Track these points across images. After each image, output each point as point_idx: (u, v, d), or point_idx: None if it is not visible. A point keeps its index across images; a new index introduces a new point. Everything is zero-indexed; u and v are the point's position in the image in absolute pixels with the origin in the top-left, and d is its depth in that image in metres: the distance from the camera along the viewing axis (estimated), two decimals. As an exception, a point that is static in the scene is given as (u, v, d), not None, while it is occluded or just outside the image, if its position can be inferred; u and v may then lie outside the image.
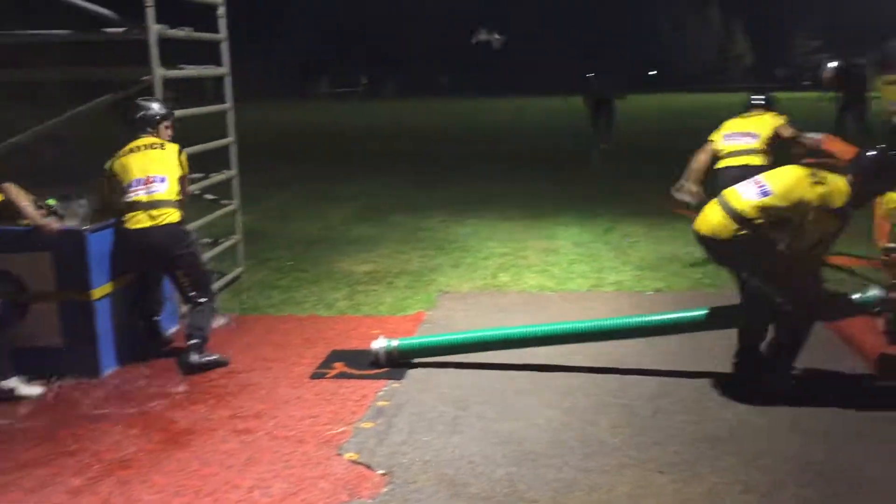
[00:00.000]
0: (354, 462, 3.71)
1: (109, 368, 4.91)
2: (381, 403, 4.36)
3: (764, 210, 4.22)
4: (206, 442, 3.96)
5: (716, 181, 6.43)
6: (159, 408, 4.38)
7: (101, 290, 4.83)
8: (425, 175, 14.11)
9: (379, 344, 4.89)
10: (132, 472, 3.68)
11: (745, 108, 7.01)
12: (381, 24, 66.41)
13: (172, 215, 4.91)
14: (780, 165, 4.69)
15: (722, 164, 6.61)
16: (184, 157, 5.17)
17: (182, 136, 5.39)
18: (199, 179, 6.18)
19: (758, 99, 7.05)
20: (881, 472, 3.54)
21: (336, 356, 5.10)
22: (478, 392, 4.48)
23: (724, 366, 4.66)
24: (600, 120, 14.59)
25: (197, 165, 5.77)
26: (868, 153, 4.37)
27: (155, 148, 5.06)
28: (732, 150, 6.59)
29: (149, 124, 5.14)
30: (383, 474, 3.59)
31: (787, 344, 4.41)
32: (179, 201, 5.01)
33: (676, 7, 71.12)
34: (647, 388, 4.50)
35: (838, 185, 4.20)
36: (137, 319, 5.18)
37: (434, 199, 11.30)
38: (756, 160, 6.43)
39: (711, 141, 6.77)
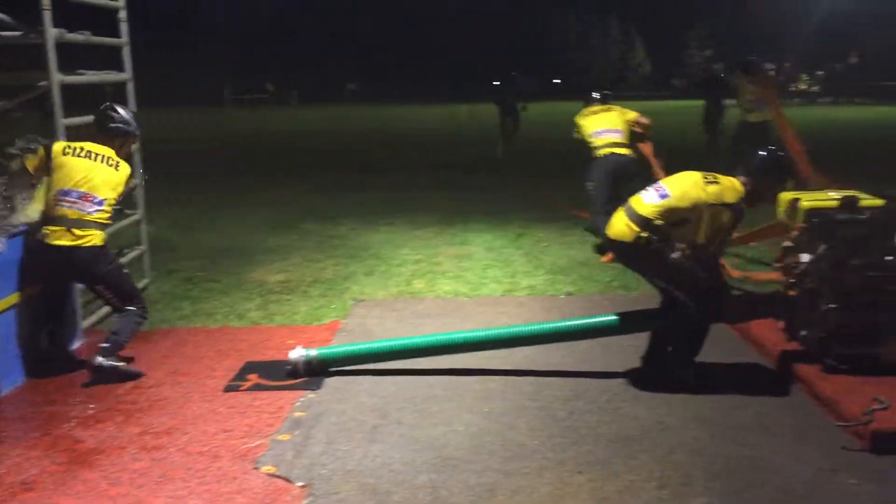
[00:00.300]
0: (272, 475, 3.64)
1: (10, 386, 4.66)
2: (298, 414, 4.29)
3: (664, 212, 4.45)
4: (116, 461, 3.81)
5: (600, 167, 7.86)
6: (64, 427, 4.19)
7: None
8: (334, 183, 13.98)
9: (297, 353, 4.82)
10: (35, 494, 3.51)
11: (587, 104, 8.46)
12: (288, 29, 65.55)
13: (97, 237, 4.75)
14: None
15: (602, 152, 7.91)
16: (129, 180, 5.05)
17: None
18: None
19: (598, 94, 8.64)
20: (784, 461, 3.71)
21: (250, 368, 4.99)
22: (396, 399, 4.47)
23: (634, 364, 4.81)
24: (506, 119, 16.69)
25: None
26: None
27: (111, 164, 4.88)
28: (607, 142, 7.95)
29: (119, 138, 4.99)
30: (303, 486, 3.54)
31: (691, 340, 4.62)
32: (106, 224, 4.85)
33: (581, 17, 72.85)
34: (562, 389, 4.59)
35: (732, 183, 4.50)
36: (41, 334, 4.95)
37: (344, 207, 11.21)
38: (626, 150, 7.92)
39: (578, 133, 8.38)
